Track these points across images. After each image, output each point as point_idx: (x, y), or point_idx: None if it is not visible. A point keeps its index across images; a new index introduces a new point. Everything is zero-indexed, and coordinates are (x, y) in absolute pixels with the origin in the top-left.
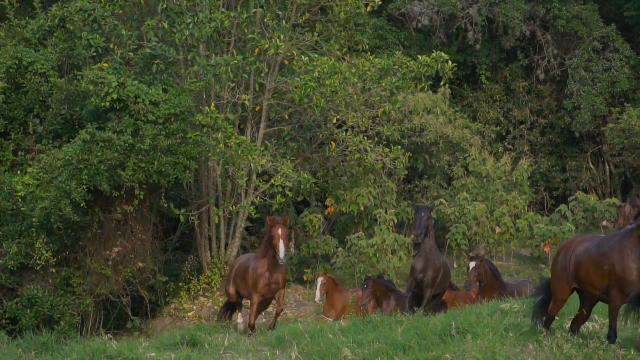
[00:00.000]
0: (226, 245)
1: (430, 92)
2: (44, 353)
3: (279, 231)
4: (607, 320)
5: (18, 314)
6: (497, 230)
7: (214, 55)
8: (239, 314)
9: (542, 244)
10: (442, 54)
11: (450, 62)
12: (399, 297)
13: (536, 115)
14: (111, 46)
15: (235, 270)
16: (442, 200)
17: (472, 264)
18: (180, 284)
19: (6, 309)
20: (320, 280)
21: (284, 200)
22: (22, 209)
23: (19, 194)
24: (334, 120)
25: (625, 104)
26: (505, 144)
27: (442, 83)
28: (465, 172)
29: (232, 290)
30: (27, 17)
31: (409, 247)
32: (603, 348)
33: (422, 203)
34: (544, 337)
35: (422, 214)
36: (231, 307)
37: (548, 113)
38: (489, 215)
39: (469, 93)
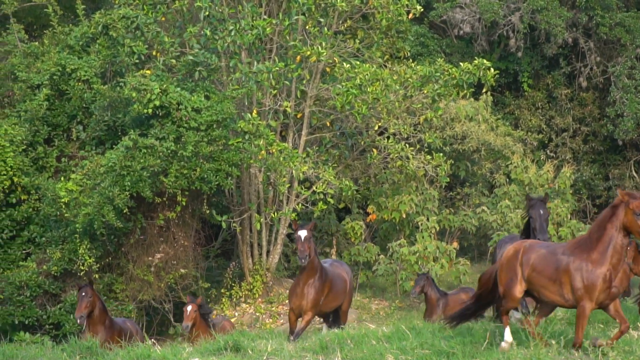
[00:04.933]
0: (268, 252)
1: (472, 99)
2: (88, 358)
3: None
4: None
5: (62, 319)
6: None
7: (255, 63)
8: (506, 331)
9: None
10: (484, 61)
11: (492, 70)
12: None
13: (579, 123)
14: (154, 53)
15: (532, 263)
16: (484, 207)
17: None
18: (222, 290)
19: (50, 315)
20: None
21: (325, 207)
22: (65, 215)
23: (63, 200)
24: (376, 128)
25: None
26: (548, 151)
27: (484, 90)
28: (508, 179)
29: (519, 290)
30: (70, 25)
31: (451, 254)
32: None
33: (464, 210)
34: (588, 345)
35: (541, 211)
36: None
37: (591, 121)
38: None
39: (510, 100)
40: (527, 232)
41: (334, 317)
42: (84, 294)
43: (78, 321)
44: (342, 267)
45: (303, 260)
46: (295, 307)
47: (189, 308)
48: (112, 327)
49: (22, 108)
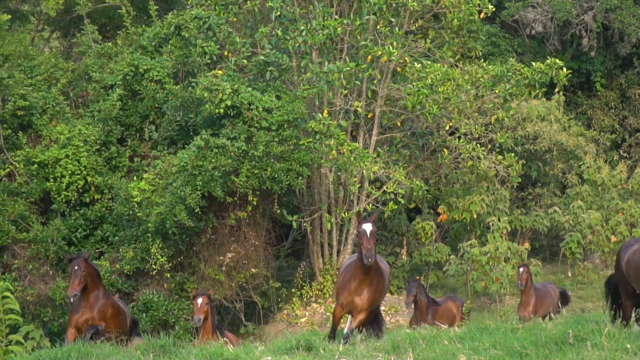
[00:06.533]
0: (338, 252)
1: (544, 99)
2: (162, 356)
3: None
4: None
5: (135, 317)
6: (613, 239)
7: (326, 63)
8: None
9: None
10: (557, 60)
11: (564, 69)
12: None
13: None
14: (225, 53)
15: None
16: (556, 208)
17: None
18: (293, 290)
19: None
20: None
21: (396, 207)
22: (138, 214)
23: (135, 199)
24: (447, 128)
25: None
26: (621, 151)
27: (556, 90)
28: (580, 180)
29: None
30: (143, 25)
31: (523, 255)
32: None
33: (536, 211)
34: None
35: None
36: None
37: None
38: (604, 224)
39: (583, 100)
40: None
41: (373, 318)
42: (76, 267)
43: (71, 299)
44: (383, 261)
45: (370, 260)
46: (347, 303)
47: (200, 300)
48: (106, 296)
49: (96, 108)
